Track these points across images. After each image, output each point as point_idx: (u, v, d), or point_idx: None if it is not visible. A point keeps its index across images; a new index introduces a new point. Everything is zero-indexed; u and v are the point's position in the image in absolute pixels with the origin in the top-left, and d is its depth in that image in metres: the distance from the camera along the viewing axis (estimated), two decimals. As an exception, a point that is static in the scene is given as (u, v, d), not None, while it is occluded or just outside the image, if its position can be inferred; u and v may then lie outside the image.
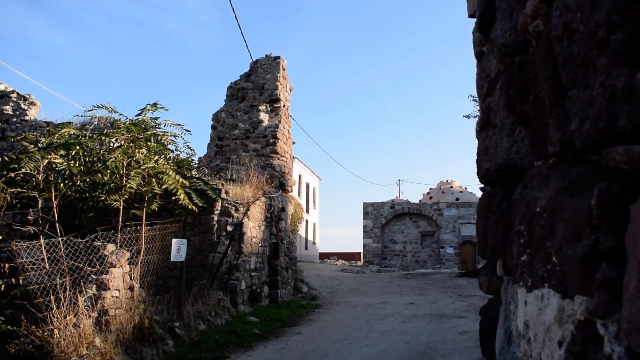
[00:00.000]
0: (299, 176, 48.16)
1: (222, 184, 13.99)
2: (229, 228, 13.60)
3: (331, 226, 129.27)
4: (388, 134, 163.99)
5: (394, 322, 12.92)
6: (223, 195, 13.73)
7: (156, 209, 9.98)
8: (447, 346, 9.83)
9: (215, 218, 13.60)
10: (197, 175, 12.77)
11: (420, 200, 44.96)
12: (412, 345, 10.00)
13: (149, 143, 10.11)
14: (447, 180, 47.76)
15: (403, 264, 40.99)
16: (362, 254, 59.73)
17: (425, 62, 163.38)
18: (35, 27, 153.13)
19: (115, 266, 8.66)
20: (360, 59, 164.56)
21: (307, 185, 51.40)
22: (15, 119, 16.72)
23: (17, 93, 17.40)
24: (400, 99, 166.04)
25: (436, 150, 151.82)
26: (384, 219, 41.96)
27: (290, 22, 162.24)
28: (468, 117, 20.01)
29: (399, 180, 63.24)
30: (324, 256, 72.76)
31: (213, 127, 17.48)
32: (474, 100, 17.93)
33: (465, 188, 47.24)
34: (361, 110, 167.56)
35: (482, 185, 3.37)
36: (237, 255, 13.62)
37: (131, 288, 9.05)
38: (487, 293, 3.11)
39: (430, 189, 47.64)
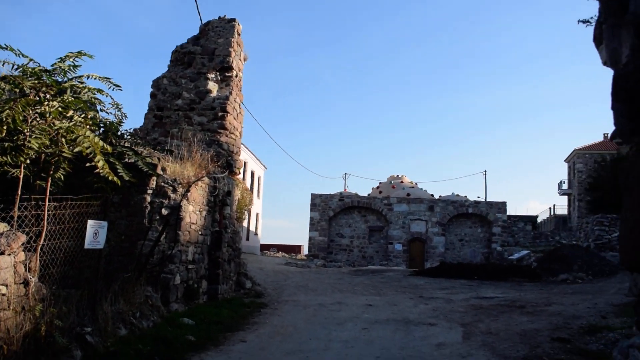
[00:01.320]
0: (245, 163, 45.88)
1: (159, 158, 11.77)
2: (164, 211, 11.42)
3: (272, 217, 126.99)
4: (336, 128, 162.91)
5: (355, 328, 11.07)
6: (159, 171, 11.53)
7: (62, 177, 7.70)
8: (428, 366, 8.06)
9: (148, 199, 11.40)
10: (127, 145, 10.47)
11: (369, 194, 43.47)
12: (384, 364, 8.18)
13: (65, 96, 7.84)
14: (397, 175, 46.52)
15: (349, 259, 39.41)
16: (302, 247, 57.99)
17: (375, 58, 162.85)
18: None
19: (3, 253, 6.42)
20: (310, 50, 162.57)
21: (252, 174, 49.19)
22: None
23: None
24: (349, 93, 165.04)
25: (383, 146, 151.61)
26: (332, 211, 40.24)
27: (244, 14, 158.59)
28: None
29: (345, 173, 61.71)
30: (264, 248, 70.81)
31: (152, 95, 15.14)
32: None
33: (416, 184, 46.11)
34: (309, 102, 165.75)
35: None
36: (172, 244, 11.45)
37: (26, 283, 6.82)
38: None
39: (380, 183, 46.29)
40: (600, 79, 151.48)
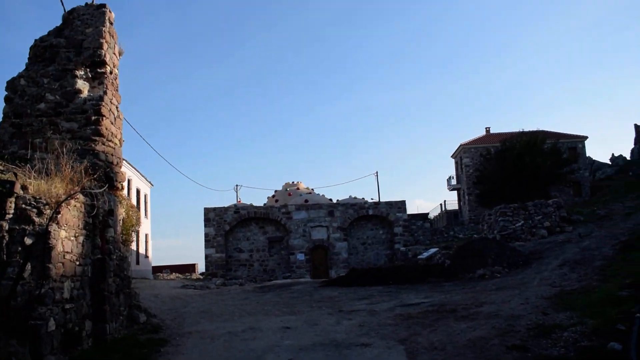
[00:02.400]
0: (129, 181, 42.47)
1: (16, 174, 9.25)
2: (28, 240, 8.92)
3: (162, 237, 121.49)
4: (224, 140, 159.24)
5: (280, 362, 9.17)
6: (18, 190, 9.05)
7: None
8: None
9: (6, 226, 8.87)
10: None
11: (265, 204, 41.52)
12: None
13: None
14: (293, 182, 44.98)
15: (251, 275, 37.23)
16: (197, 266, 54.82)
17: (261, 67, 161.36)
18: None
19: None
20: (190, 64, 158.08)
21: (138, 192, 45.68)
22: None
23: None
24: (232, 104, 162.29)
25: (273, 154, 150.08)
26: (228, 225, 37.87)
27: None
28: None
29: (237, 185, 59.30)
30: (156, 270, 66.63)
31: (7, 100, 12.34)
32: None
33: (312, 190, 44.78)
34: (193, 117, 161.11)
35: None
36: (41, 281, 8.96)
37: None
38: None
39: (276, 191, 44.53)
40: (483, 76, 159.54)
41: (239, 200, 44.65)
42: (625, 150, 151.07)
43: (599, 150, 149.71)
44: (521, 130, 52.50)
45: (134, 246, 43.05)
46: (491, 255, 21.04)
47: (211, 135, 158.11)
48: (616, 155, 79.52)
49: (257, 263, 38.16)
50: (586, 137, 56.70)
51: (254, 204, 42.16)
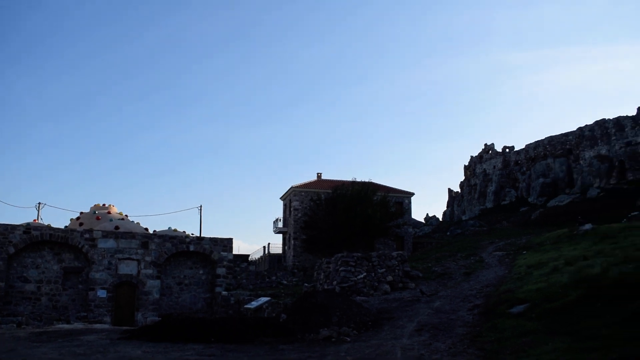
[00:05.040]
0: None
1: None
2: None
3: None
4: (28, 153, 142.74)
5: None
6: None
7: None
8: None
9: None
10: None
11: (67, 227, 34.79)
12: None
13: None
14: (104, 205, 38.71)
15: (36, 312, 30.20)
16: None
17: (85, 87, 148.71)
18: None
19: None
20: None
21: None
22: None
23: None
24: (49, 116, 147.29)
25: (87, 174, 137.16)
26: (13, 247, 30.62)
27: None
28: None
29: (39, 203, 50.85)
30: None
31: None
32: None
33: (127, 216, 38.87)
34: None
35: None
36: None
37: None
38: None
39: (82, 213, 37.88)
40: (318, 122, 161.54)
41: (38, 219, 37.24)
42: (436, 211, 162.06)
43: (415, 209, 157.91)
44: (353, 179, 51.80)
45: None
46: (337, 312, 17.67)
47: (18, 142, 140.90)
48: (430, 215, 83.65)
49: (45, 297, 31.21)
50: (413, 194, 57.55)
51: (53, 226, 35.27)
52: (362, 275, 23.90)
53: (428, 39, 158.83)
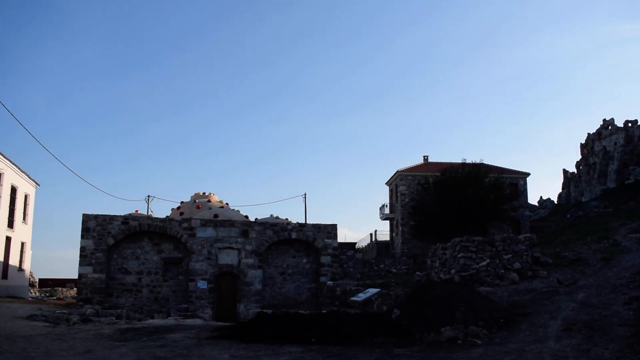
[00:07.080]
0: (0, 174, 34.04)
1: None
2: None
3: (63, 248, 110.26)
4: (138, 145, 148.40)
5: None
6: None
7: None
8: None
9: None
10: None
11: (167, 216, 33.72)
12: None
13: None
14: (204, 193, 37.34)
15: (137, 304, 29.19)
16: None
17: (182, 75, 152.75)
18: None
19: None
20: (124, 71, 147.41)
21: (14, 190, 37.08)
22: None
23: None
24: (156, 112, 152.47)
25: (191, 164, 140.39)
26: (113, 238, 29.74)
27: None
28: None
29: (149, 196, 50.95)
30: (43, 284, 57.31)
31: None
32: None
33: (227, 204, 37.29)
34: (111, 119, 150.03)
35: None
36: None
37: None
38: None
39: (182, 202, 36.76)
40: (423, 105, 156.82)
41: (136, 210, 36.57)
42: (550, 193, 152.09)
43: (529, 192, 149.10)
44: (463, 161, 47.84)
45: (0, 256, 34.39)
46: (460, 307, 14.42)
47: (126, 139, 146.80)
48: (544, 198, 77.34)
49: (146, 289, 30.14)
50: (528, 174, 52.37)
51: (155, 216, 34.33)
52: (484, 263, 20.36)
53: (534, 15, 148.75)
